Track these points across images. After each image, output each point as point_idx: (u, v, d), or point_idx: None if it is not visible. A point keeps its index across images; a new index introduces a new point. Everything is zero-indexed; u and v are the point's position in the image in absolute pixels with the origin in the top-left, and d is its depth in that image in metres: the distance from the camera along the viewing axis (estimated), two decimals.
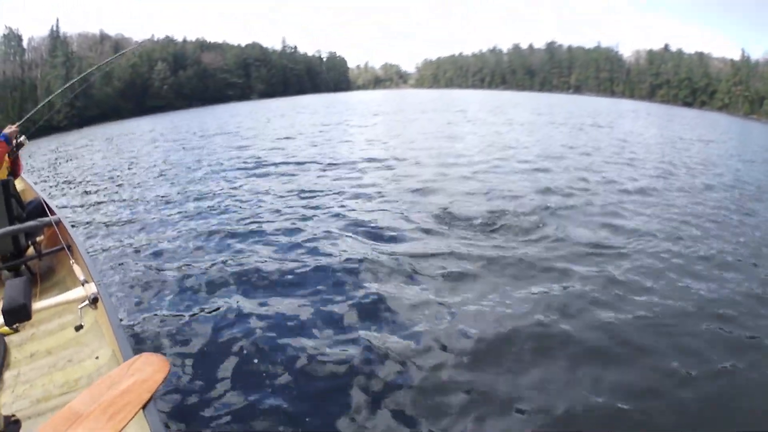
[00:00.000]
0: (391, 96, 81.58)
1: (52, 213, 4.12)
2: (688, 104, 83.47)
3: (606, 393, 3.67)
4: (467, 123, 27.00)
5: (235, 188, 10.80)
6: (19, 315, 2.26)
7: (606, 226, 7.66)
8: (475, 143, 17.50)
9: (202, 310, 4.94)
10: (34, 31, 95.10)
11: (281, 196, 9.69)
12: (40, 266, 4.28)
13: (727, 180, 12.46)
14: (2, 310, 2.22)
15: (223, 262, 6.19)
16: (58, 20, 64.01)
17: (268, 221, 7.93)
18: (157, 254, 6.68)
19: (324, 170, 12.60)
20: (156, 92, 79.53)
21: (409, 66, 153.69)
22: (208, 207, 9.23)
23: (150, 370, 2.20)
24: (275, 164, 13.84)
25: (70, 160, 20.33)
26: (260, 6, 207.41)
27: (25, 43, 60.56)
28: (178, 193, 10.68)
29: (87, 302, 2.67)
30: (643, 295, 5.23)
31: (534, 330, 4.49)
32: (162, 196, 10.49)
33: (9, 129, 4.36)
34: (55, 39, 61.36)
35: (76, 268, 3.10)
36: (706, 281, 5.65)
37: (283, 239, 7.03)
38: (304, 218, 8.05)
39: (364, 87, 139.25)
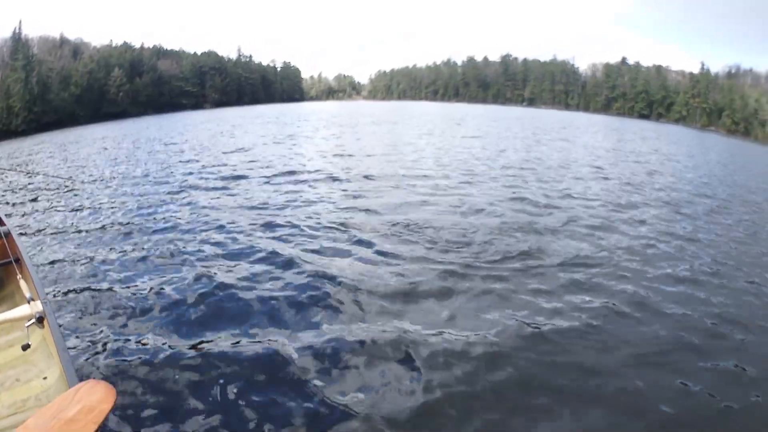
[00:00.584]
0: (344, 107, 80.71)
1: (1, 223, 4.02)
2: (644, 116, 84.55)
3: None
4: (425, 136, 27.36)
5: (187, 203, 10.44)
6: None
7: (587, 241, 8.02)
8: (434, 157, 17.68)
9: (153, 333, 4.63)
10: None
11: (235, 213, 9.48)
12: None
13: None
14: None
15: (176, 283, 5.86)
16: (21, 22, 61.92)
17: (223, 238, 7.73)
18: (107, 271, 6.31)
19: (278, 184, 12.41)
20: (112, 99, 77.98)
21: (362, 77, 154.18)
22: (160, 221, 9.00)
23: (96, 399, 2.04)
24: (228, 178, 13.53)
25: (21, 167, 19.48)
26: (218, 11, 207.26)
27: None
28: (129, 208, 10.29)
29: (33, 321, 2.59)
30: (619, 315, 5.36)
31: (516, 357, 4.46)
32: (112, 210, 10.13)
33: None
34: (17, 41, 59.87)
35: (23, 284, 2.99)
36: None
37: (239, 258, 6.85)
38: (259, 237, 7.86)
39: (317, 98, 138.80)
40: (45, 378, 2.86)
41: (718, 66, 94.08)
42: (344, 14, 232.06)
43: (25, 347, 2.59)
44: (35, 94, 59.59)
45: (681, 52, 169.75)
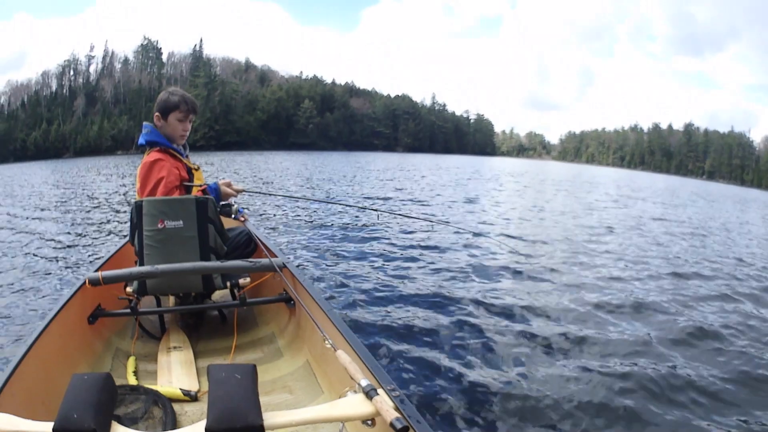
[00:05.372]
0: (548, 169, 62.66)
1: (271, 253, 2.94)
2: None
3: None
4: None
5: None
6: None
7: None
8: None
9: None
10: (174, 46, 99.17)
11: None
12: (238, 314, 3.00)
13: None
14: (212, 428, 1.22)
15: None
16: (201, 40, 61.77)
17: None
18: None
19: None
20: (300, 129, 75.73)
21: (552, 136, 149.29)
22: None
23: None
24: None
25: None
26: (411, 59, 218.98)
27: (164, 57, 57.99)
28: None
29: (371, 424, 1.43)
30: None
31: None
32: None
33: (225, 184, 3.00)
34: (198, 59, 58.26)
35: (345, 359, 1.65)
36: None
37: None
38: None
39: (507, 154, 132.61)
40: None
41: None
42: (527, 73, 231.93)
43: None
44: (217, 112, 57.66)
45: None
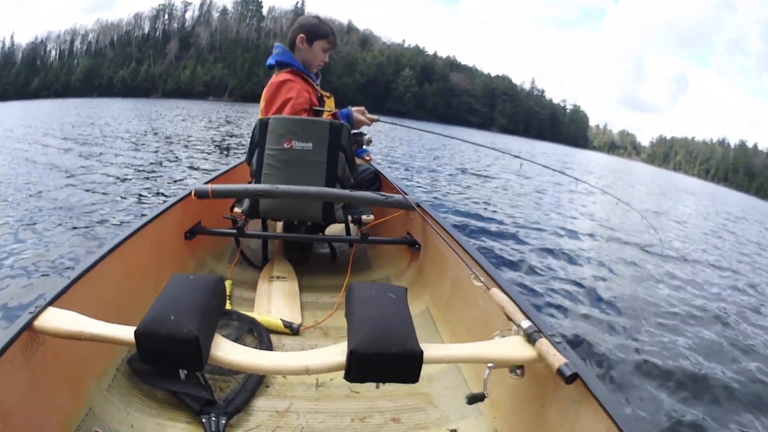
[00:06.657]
0: (642, 171, 59.14)
1: (403, 192, 2.60)
2: None
3: None
4: None
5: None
6: (406, 372, 1.07)
7: None
8: None
9: None
10: (275, 1, 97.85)
11: None
12: (355, 252, 2.74)
13: None
14: (354, 354, 1.01)
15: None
16: None
17: None
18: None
19: None
20: (398, 96, 74.97)
21: (642, 138, 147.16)
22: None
23: None
24: None
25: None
26: (511, 41, 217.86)
27: (264, 11, 59.20)
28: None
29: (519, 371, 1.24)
30: None
31: None
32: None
33: (358, 112, 2.73)
34: (300, 15, 54.70)
35: (502, 298, 1.43)
36: None
37: None
38: None
39: (599, 149, 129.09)
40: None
41: None
42: (625, 70, 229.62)
43: (475, 399, 1.23)
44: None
45: None
